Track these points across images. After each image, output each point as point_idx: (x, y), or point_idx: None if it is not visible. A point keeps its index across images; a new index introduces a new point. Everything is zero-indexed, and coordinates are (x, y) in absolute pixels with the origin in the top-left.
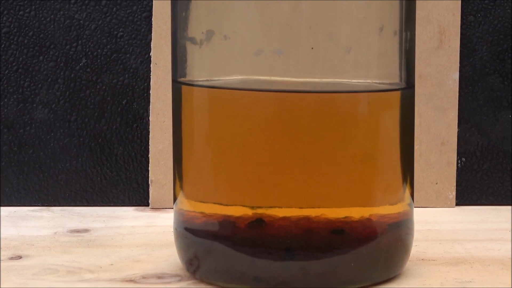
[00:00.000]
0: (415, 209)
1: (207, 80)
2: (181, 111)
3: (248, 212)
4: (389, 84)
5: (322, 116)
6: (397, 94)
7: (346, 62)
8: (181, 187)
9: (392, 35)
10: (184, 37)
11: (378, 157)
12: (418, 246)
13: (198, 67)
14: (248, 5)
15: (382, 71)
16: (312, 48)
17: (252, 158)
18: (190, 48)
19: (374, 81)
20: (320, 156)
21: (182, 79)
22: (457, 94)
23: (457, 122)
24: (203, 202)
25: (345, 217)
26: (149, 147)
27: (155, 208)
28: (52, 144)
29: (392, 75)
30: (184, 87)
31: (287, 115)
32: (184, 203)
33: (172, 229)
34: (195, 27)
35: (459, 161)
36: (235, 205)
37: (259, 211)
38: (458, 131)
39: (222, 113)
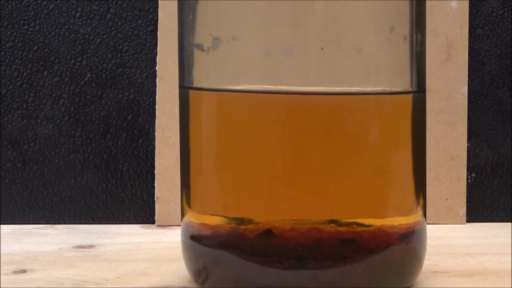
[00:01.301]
0: None
1: (215, 88)
2: (188, 118)
3: (257, 224)
4: (400, 88)
5: (332, 120)
6: (409, 97)
7: (355, 63)
8: (189, 198)
9: (402, 38)
10: (191, 43)
11: (390, 165)
12: (430, 259)
13: (205, 74)
14: (255, 7)
15: (393, 74)
16: (322, 48)
17: (261, 168)
18: (197, 54)
19: (384, 86)
20: (331, 165)
21: (189, 85)
22: (466, 108)
23: (466, 136)
24: (211, 214)
25: (356, 227)
26: (155, 163)
27: (161, 225)
28: (56, 161)
29: (403, 79)
30: (191, 92)
31: (296, 118)
32: (191, 215)
33: (179, 245)
34: (202, 33)
35: (469, 177)
36: (244, 217)
37: (269, 223)
38: (467, 146)
39: (229, 118)
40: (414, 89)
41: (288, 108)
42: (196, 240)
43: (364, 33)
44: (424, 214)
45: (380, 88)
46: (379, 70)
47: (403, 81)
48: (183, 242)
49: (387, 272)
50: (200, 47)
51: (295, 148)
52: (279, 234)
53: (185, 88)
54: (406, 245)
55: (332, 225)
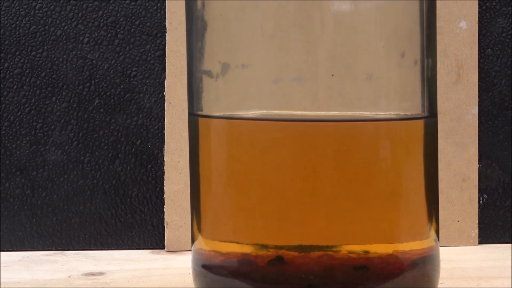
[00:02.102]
0: None
1: (225, 115)
2: (198, 145)
3: (268, 250)
4: (411, 113)
5: (344, 146)
6: (420, 123)
7: (366, 90)
8: (199, 225)
9: (413, 63)
10: (200, 70)
11: (402, 190)
12: (443, 284)
13: (215, 101)
14: (263, 34)
15: (404, 100)
16: (333, 75)
17: (271, 194)
18: (206, 81)
19: (396, 111)
20: (342, 190)
21: (199, 112)
22: (477, 129)
23: (477, 157)
24: (222, 240)
25: (368, 253)
26: (164, 188)
27: (171, 251)
28: (65, 187)
29: (414, 104)
30: (201, 120)
31: (307, 146)
32: (202, 241)
33: (189, 271)
34: (211, 60)
35: (481, 198)
36: (255, 244)
37: (280, 250)
38: (479, 167)
39: (240, 145)
40: (426, 114)
41: (299, 134)
42: (207, 268)
43: (375, 59)
44: (437, 240)
45: (391, 113)
46: (390, 96)
47: (414, 107)
48: (194, 269)
49: None
50: (209, 73)
51: (306, 174)
52: (290, 261)
53: (194, 115)
54: (419, 271)
55: (344, 251)
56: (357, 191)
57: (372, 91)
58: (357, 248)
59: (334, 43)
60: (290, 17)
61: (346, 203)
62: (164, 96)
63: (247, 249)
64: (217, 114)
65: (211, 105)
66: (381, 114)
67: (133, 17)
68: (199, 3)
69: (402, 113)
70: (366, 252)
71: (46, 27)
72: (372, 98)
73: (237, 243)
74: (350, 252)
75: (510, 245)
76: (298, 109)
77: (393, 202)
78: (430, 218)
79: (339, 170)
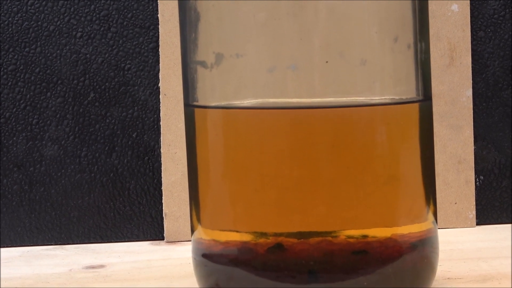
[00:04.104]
0: None
1: (220, 105)
2: (195, 136)
3: (267, 237)
4: (406, 97)
5: (340, 132)
6: (415, 106)
7: (361, 75)
8: (198, 215)
9: (406, 47)
10: (194, 61)
11: (399, 174)
12: (443, 265)
13: (210, 91)
14: (257, 23)
15: (398, 84)
16: (327, 61)
17: (269, 182)
18: (201, 71)
19: (390, 96)
20: (339, 176)
21: (194, 103)
22: (472, 111)
23: (473, 139)
24: (221, 230)
25: (366, 237)
26: (162, 179)
27: (170, 242)
28: (63, 181)
29: (409, 88)
30: (197, 110)
31: (304, 133)
32: (202, 231)
33: (189, 261)
34: (205, 50)
35: (477, 180)
36: (254, 231)
37: (279, 237)
38: (474, 149)
39: (237, 135)
40: (420, 97)
41: (295, 122)
42: (207, 257)
43: (368, 45)
44: (435, 222)
45: (386, 98)
46: (384, 81)
47: (409, 90)
48: (194, 258)
49: (401, 282)
50: (203, 64)
51: (303, 161)
52: (290, 247)
53: (190, 106)
54: (418, 254)
55: (343, 236)
56: (354, 176)
57: (366, 76)
58: (356, 232)
59: (327, 30)
60: (283, 5)
61: (344, 189)
62: (159, 88)
63: (246, 237)
64: (213, 104)
65: (206, 96)
66: (376, 99)
67: (125, 10)
68: None
69: (397, 98)
70: (365, 236)
71: (39, 22)
72: (366, 84)
73: (237, 231)
74: (349, 237)
75: (507, 225)
76: (293, 96)
77: (390, 186)
78: (427, 201)
79: (336, 156)
